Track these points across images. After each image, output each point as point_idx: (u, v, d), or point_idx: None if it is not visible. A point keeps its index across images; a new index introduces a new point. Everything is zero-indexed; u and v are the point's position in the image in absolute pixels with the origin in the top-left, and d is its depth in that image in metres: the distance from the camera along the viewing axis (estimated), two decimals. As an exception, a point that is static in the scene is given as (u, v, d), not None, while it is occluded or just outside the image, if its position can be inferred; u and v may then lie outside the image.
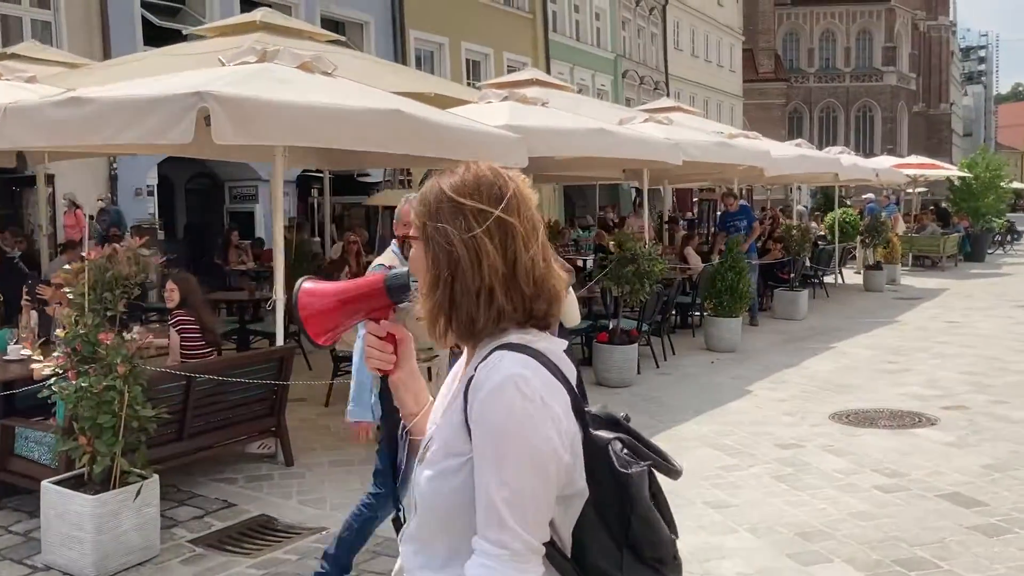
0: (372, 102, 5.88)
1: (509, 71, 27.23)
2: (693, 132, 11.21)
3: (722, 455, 6.42)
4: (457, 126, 6.67)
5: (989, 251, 26.39)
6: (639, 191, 23.55)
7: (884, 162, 22.13)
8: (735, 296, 10.77)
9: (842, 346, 11.15)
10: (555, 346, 1.49)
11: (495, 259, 1.44)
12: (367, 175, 21.92)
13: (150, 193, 17.63)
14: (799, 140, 16.17)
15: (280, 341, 6.48)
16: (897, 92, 65.01)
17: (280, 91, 5.40)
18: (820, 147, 61.96)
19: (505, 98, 8.51)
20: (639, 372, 9.34)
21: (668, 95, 38.04)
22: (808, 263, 16.66)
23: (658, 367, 9.77)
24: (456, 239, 1.44)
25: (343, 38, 11.15)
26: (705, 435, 6.96)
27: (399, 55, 22.70)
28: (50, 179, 15.32)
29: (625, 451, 1.46)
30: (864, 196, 19.92)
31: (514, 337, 1.46)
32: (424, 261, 1.49)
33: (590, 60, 31.94)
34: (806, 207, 28.45)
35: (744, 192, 35.96)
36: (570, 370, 1.49)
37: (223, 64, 6.15)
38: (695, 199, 25.12)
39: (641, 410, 7.81)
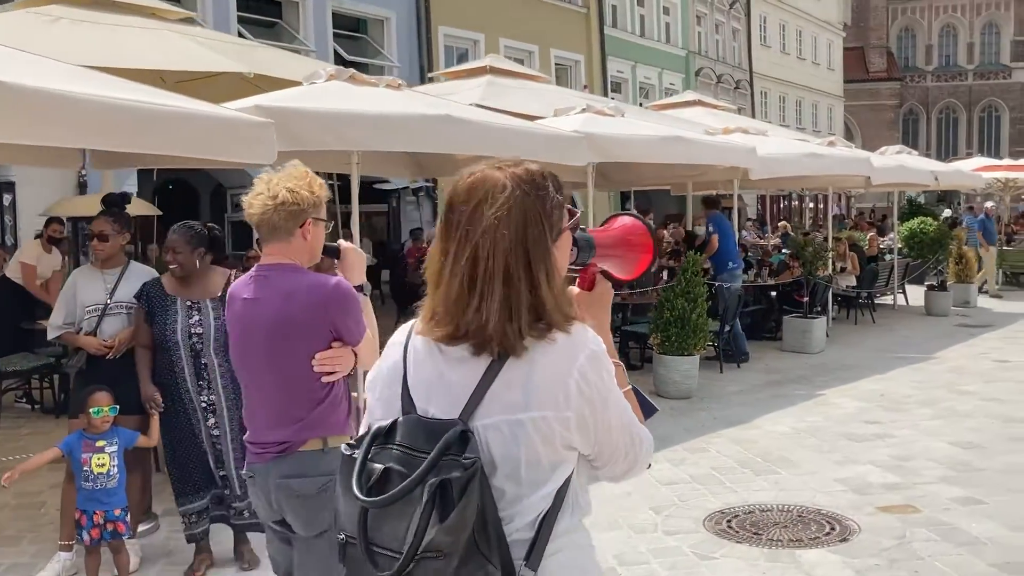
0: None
1: (557, 70, 25.25)
2: (642, 127, 9.03)
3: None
4: (170, 110, 4.82)
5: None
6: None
7: (967, 164, 19.01)
8: (686, 329, 8.55)
9: (833, 394, 8.75)
10: None
11: None
12: (386, 181, 20.22)
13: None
14: (831, 138, 13.62)
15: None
16: (1028, 90, 59.43)
17: None
18: (939, 152, 57.09)
19: (331, 77, 6.61)
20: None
21: (751, 94, 35.32)
22: (853, 282, 14.06)
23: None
24: None
25: (193, 14, 9.45)
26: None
27: (424, 53, 21.05)
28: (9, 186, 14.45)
29: None
30: (969, 205, 17.00)
31: None
32: None
33: (656, 57, 29.54)
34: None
35: (843, 199, 33.01)
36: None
37: None
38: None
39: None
